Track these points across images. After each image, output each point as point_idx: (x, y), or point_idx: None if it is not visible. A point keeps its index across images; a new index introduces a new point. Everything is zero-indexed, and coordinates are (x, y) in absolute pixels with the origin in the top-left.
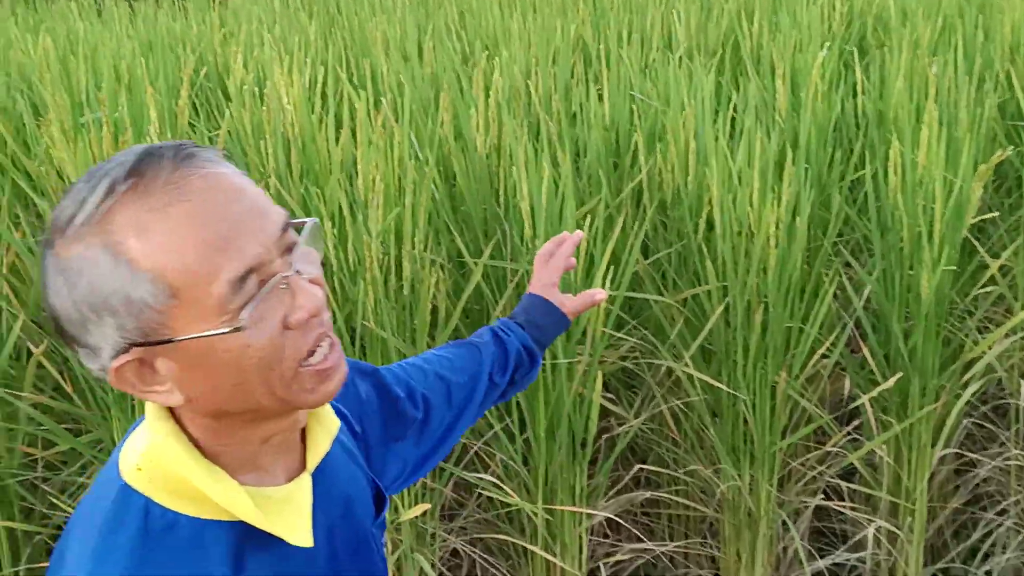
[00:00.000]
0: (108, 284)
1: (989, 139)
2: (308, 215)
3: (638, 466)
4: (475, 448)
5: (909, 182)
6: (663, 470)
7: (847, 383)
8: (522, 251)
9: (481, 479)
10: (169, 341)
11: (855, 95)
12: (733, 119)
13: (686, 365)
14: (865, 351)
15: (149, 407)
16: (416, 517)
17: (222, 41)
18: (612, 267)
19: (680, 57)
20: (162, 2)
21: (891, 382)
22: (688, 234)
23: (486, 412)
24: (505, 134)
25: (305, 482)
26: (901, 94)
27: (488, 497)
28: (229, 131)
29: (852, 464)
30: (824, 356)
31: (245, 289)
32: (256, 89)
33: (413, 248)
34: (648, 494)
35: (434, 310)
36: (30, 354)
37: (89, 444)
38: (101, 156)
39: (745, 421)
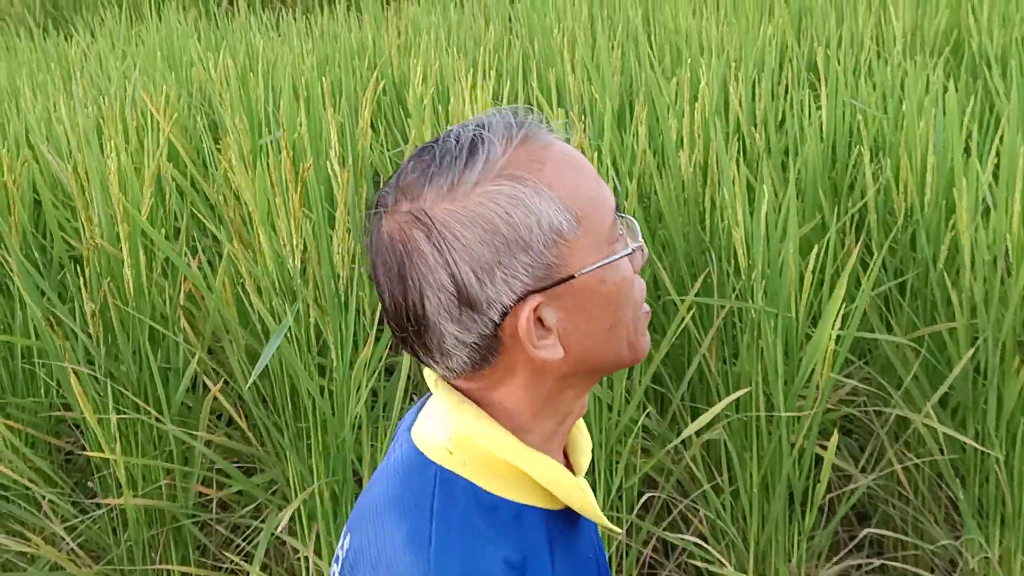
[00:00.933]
0: (527, 215)
1: None
2: None
3: (867, 530)
4: (680, 506)
5: None
6: (894, 535)
7: None
8: (733, 284)
9: (683, 539)
10: (571, 277)
11: None
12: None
13: (927, 416)
14: None
15: (443, 392)
16: None
17: (399, 51)
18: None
19: (899, 59)
20: (336, 13)
21: None
22: (925, 262)
23: (691, 465)
24: (713, 150)
25: (583, 482)
26: None
27: (689, 561)
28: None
29: None
30: None
31: (618, 221)
32: (437, 104)
33: None
34: (878, 562)
35: None
36: (206, 389)
37: (263, 486)
38: (280, 181)
39: (996, 482)
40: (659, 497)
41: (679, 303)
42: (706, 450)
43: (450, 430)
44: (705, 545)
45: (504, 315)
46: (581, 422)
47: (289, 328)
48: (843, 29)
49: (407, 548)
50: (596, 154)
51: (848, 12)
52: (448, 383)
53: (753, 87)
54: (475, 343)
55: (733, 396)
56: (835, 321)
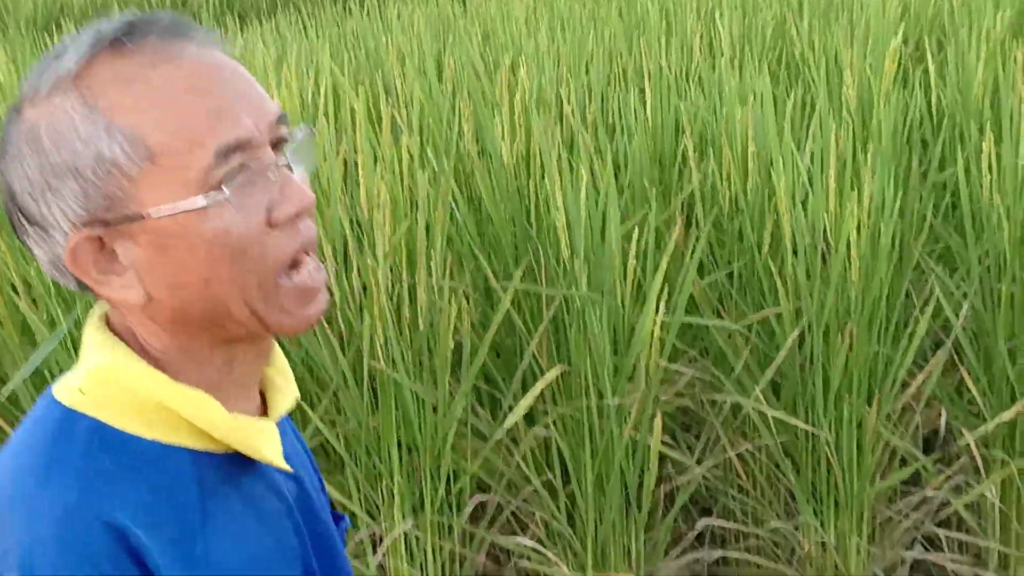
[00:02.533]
0: (76, 140)
1: None
2: None
3: (704, 520)
4: (511, 507)
5: (1009, 179)
6: (733, 525)
7: (943, 415)
8: (558, 274)
9: (518, 543)
10: (140, 218)
11: (927, 91)
12: (793, 121)
13: (756, 400)
14: (966, 377)
15: (92, 332)
16: None
17: None
18: (665, 288)
19: (726, 62)
20: None
21: (1012, 413)
22: (751, 250)
23: (523, 465)
24: (535, 142)
25: (270, 426)
26: (982, 84)
27: (526, 564)
28: None
29: (950, 510)
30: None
31: (230, 164)
32: None
33: (430, 275)
34: (719, 553)
35: (457, 347)
36: None
37: None
38: None
39: (828, 465)
40: (492, 501)
41: (503, 293)
42: (541, 449)
43: (88, 370)
44: (541, 548)
45: (66, 237)
46: (283, 363)
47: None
48: (673, 39)
49: (15, 487)
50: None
51: (677, 26)
52: (101, 323)
53: (587, 91)
54: (54, 264)
55: (550, 375)
56: (659, 305)
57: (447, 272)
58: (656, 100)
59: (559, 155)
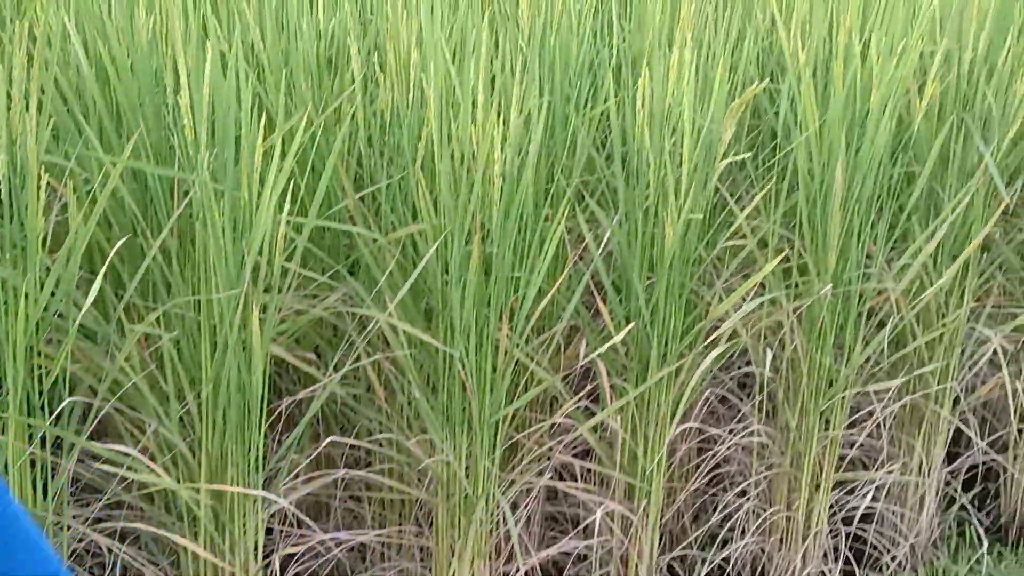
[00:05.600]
0: None
1: (747, 82)
2: None
3: (330, 438)
4: (106, 407)
5: (657, 117)
6: (367, 444)
7: (583, 345)
8: (188, 163)
9: (121, 453)
10: None
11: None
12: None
13: (390, 315)
14: (603, 309)
15: None
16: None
17: None
18: (297, 186)
19: None
20: None
21: (621, 335)
22: (408, 163)
23: (125, 366)
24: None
25: None
26: (656, 31)
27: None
28: None
29: (588, 441)
30: (546, 313)
31: None
32: None
33: (13, 144)
34: (343, 472)
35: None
36: None
37: None
38: None
39: (463, 385)
40: (97, 406)
41: (111, 168)
42: (156, 352)
43: None
44: (140, 456)
45: None
46: None
47: None
48: None
49: None
50: None
51: None
52: None
53: None
54: None
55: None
56: (280, 201)
57: (37, 141)
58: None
59: (189, 25)
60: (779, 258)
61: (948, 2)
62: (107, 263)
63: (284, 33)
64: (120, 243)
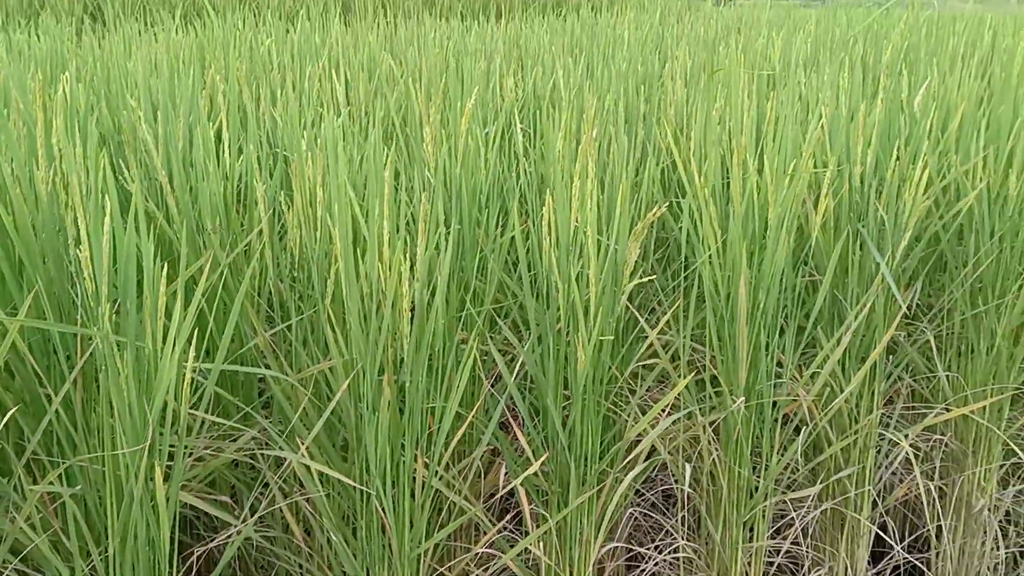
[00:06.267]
0: None
1: (649, 203)
2: None
3: None
4: (7, 572)
5: (563, 242)
6: None
7: (503, 471)
8: (91, 317)
9: None
10: None
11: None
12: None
13: (303, 456)
14: (520, 436)
15: None
16: None
17: None
18: (203, 334)
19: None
20: None
21: (538, 464)
22: (317, 299)
23: (25, 527)
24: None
25: None
26: (561, 155)
27: None
28: None
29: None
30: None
31: None
32: None
33: None
34: None
35: None
36: None
37: None
38: None
39: (381, 523)
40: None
41: (9, 326)
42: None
43: None
44: None
45: None
46: None
47: None
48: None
49: None
50: None
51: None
52: None
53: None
54: None
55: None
56: (187, 347)
57: None
58: (233, 137)
59: (88, 172)
60: (690, 377)
61: (835, 120)
62: (8, 416)
63: (193, 173)
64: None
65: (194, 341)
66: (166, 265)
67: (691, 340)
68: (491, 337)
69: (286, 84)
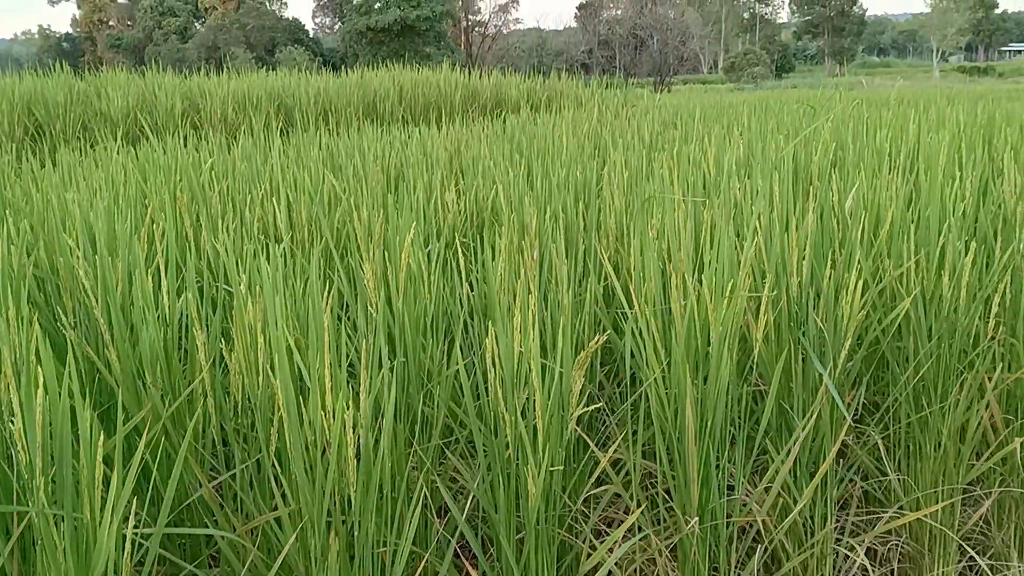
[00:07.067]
0: None
1: (593, 325)
2: None
3: None
4: None
5: (507, 372)
6: None
7: None
8: (23, 490)
9: None
10: None
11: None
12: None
13: None
14: (469, 569)
15: None
16: None
17: None
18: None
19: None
20: None
21: None
22: (261, 448)
23: None
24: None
25: None
26: (502, 279)
27: None
28: None
29: None
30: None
31: None
32: None
33: None
34: None
35: None
36: None
37: None
38: None
39: None
40: None
41: None
42: None
43: None
44: None
45: None
46: None
47: None
48: (237, 222)
49: None
50: None
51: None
52: None
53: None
54: None
55: None
56: (127, 511)
57: None
58: (172, 280)
59: (26, 351)
60: (644, 504)
61: (770, 229)
62: None
63: (132, 315)
64: None
65: (135, 503)
66: (105, 419)
67: (643, 456)
68: (442, 463)
69: (227, 212)
